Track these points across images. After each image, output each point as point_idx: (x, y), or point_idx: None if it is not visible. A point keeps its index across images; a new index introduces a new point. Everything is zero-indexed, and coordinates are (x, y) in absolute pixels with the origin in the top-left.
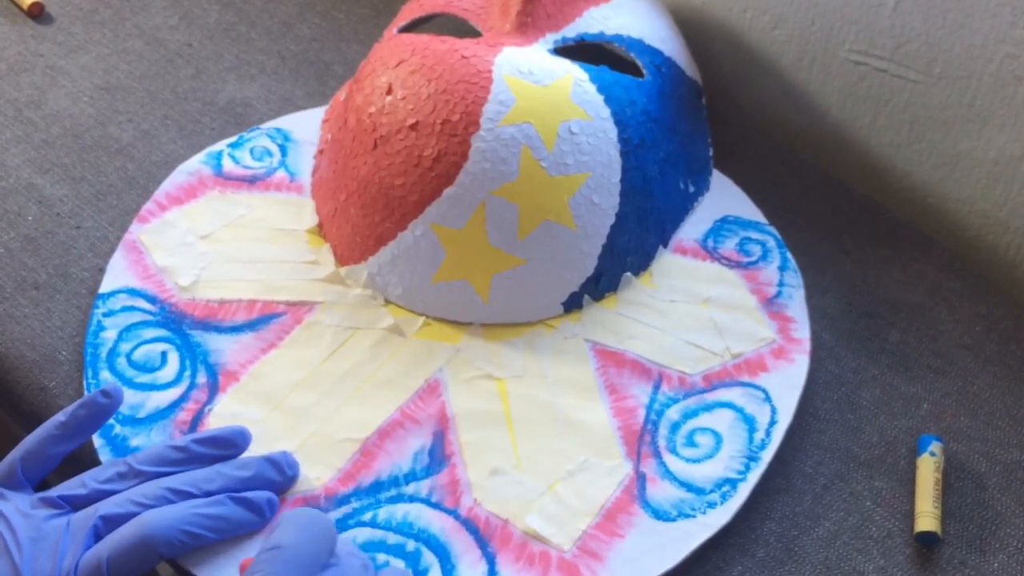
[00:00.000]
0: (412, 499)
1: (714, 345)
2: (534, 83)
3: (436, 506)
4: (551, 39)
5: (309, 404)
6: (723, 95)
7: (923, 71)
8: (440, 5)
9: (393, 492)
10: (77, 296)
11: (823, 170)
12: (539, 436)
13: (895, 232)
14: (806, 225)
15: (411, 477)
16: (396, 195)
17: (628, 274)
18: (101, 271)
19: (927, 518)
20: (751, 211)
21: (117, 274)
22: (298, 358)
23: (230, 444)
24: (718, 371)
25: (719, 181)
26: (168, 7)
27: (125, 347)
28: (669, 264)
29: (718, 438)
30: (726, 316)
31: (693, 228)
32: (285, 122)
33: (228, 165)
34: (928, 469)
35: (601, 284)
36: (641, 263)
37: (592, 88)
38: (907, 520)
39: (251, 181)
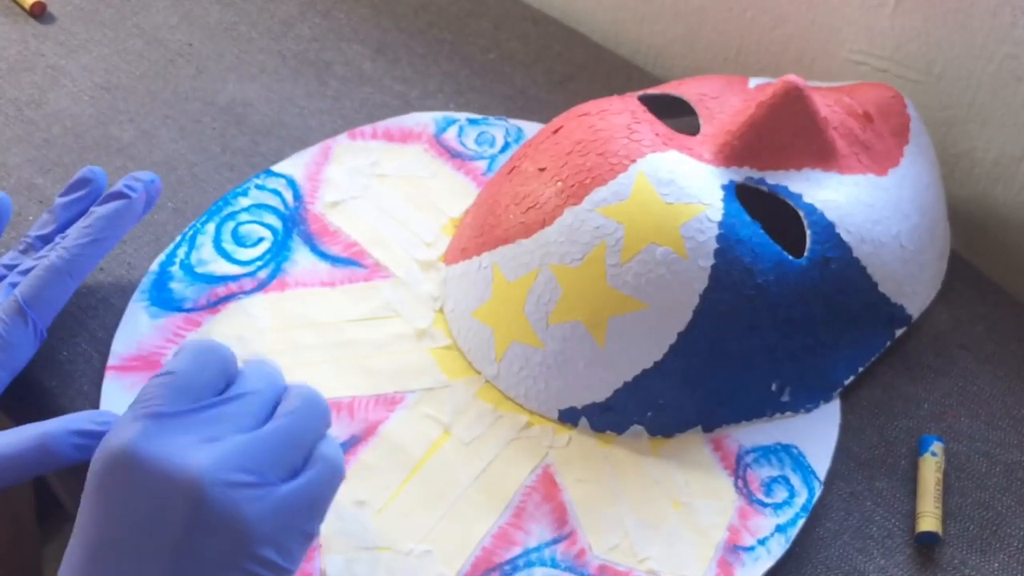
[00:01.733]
0: (542, 563)
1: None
2: (660, 194)
3: (564, 567)
4: (743, 173)
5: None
6: None
7: (923, 71)
8: (692, 94)
9: (522, 562)
10: (77, 296)
11: None
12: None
13: None
14: None
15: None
16: (488, 223)
17: (640, 427)
18: (101, 270)
19: (928, 518)
20: (819, 457)
21: (296, 163)
22: (328, 309)
23: (83, 183)
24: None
25: (829, 414)
26: (168, 7)
27: (245, 216)
28: (688, 448)
29: None
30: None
31: (752, 435)
32: (528, 127)
33: (451, 134)
34: (929, 469)
35: (605, 418)
36: (664, 427)
37: (713, 232)
38: (907, 520)
39: (454, 156)
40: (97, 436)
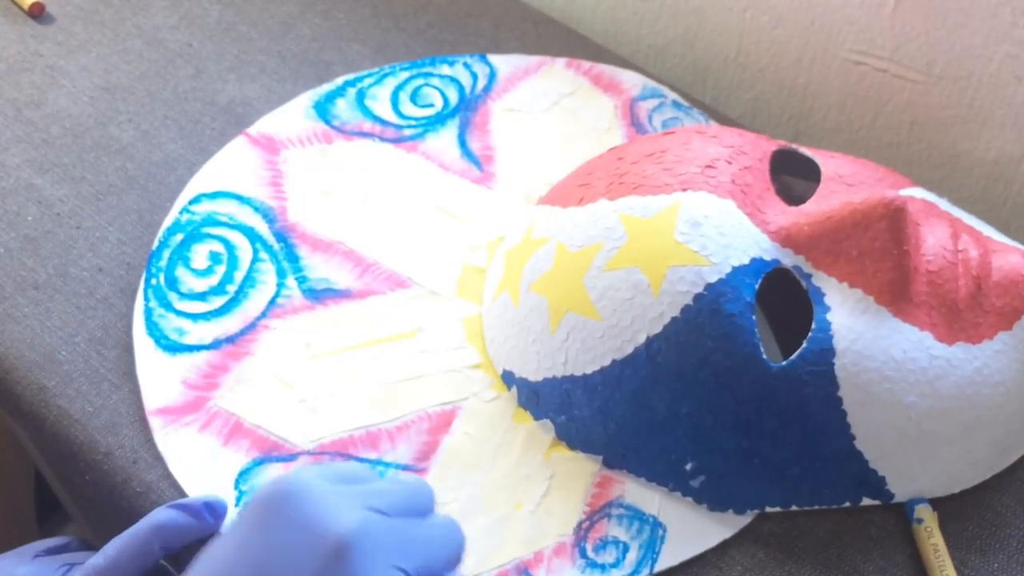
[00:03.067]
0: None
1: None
2: (678, 230)
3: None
4: (796, 259)
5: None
6: (723, 95)
7: (923, 71)
8: (830, 169)
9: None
10: (77, 296)
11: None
12: None
13: None
14: None
15: None
16: (563, 181)
17: (550, 424)
18: (101, 271)
19: None
20: (677, 550)
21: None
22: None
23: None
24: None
25: (730, 520)
26: (168, 7)
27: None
28: (575, 469)
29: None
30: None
31: (641, 494)
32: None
33: (646, 107)
34: (923, 539)
35: (530, 398)
36: (570, 437)
37: (696, 289)
38: (907, 520)
39: (634, 125)
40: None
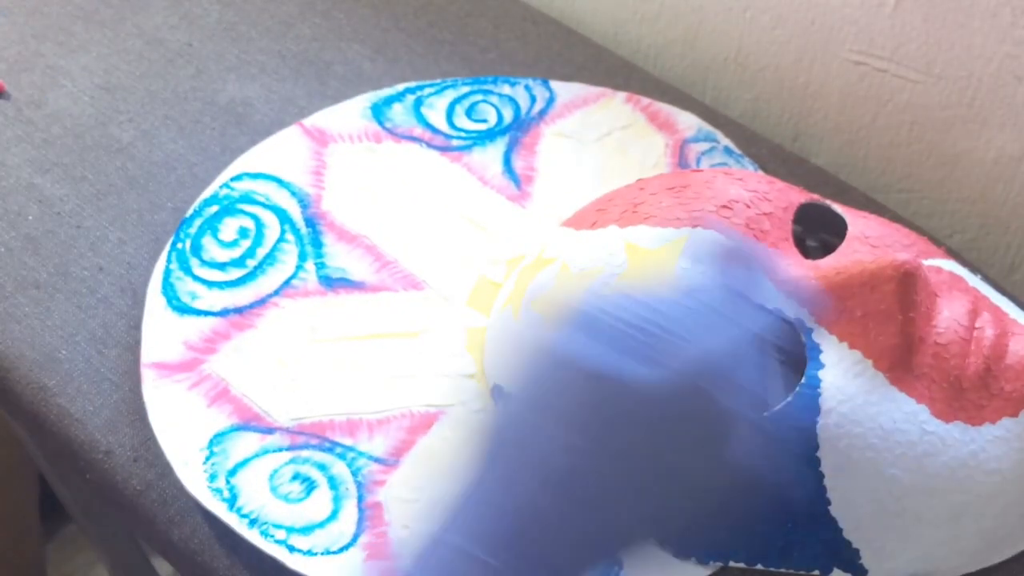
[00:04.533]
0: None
1: None
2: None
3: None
4: (800, 313)
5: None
6: (723, 95)
7: (923, 71)
8: (858, 229)
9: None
10: (77, 295)
11: (823, 169)
12: None
13: None
14: None
15: None
16: (589, 204)
17: None
18: (101, 270)
19: None
20: None
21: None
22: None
23: None
24: None
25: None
26: (168, 7)
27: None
28: None
29: None
30: None
31: None
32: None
33: (696, 149)
34: None
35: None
36: None
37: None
38: None
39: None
40: None
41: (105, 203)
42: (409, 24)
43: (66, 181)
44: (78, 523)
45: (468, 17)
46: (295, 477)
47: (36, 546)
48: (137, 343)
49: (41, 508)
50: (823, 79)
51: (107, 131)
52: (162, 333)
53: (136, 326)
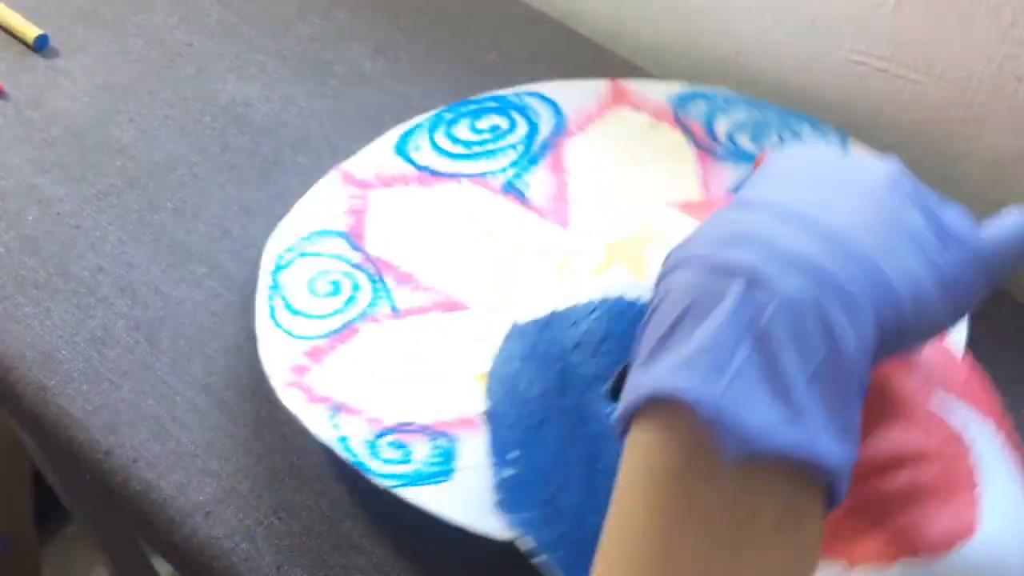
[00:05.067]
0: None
1: None
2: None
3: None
4: None
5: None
6: None
7: (923, 71)
8: None
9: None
10: (77, 295)
11: None
12: None
13: None
14: None
15: None
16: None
17: None
18: (101, 270)
19: None
20: None
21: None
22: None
23: None
24: None
25: None
26: (168, 7)
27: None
28: None
29: None
30: None
31: None
32: None
33: None
34: None
35: None
36: None
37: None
38: None
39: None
40: None
41: (105, 203)
42: (409, 24)
43: (66, 181)
44: (78, 523)
45: (468, 17)
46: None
47: (30, 545)
48: (137, 343)
49: (41, 508)
50: (823, 79)
51: (107, 131)
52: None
53: (136, 326)
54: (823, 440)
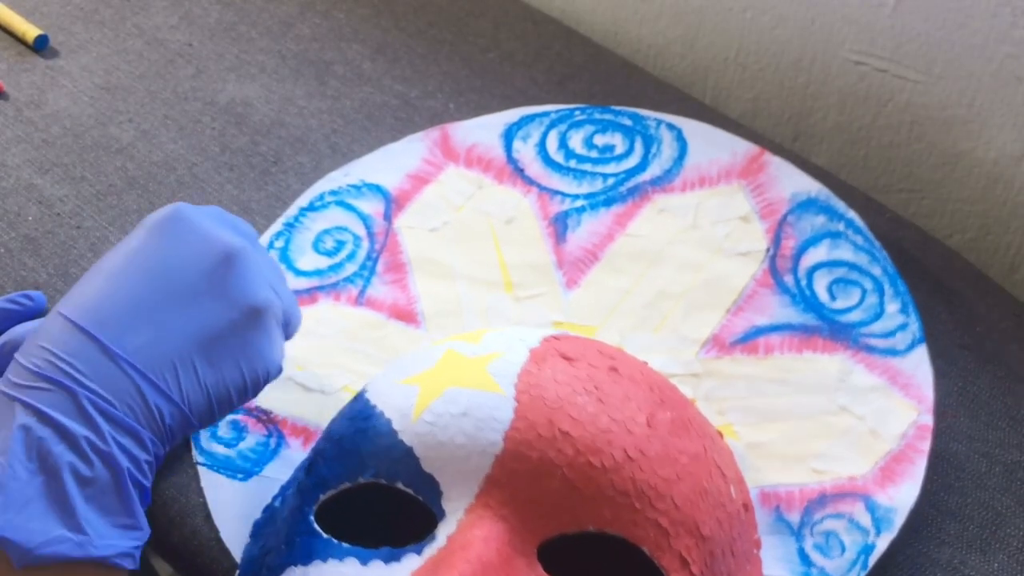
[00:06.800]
0: None
1: None
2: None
3: None
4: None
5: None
6: (723, 95)
7: (923, 71)
8: None
9: None
10: None
11: (823, 169)
12: None
13: (895, 232)
14: None
15: None
16: None
17: None
18: None
19: None
20: None
21: None
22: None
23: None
24: None
25: None
26: (168, 7)
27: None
28: None
29: None
30: None
31: None
32: None
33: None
34: None
35: None
36: None
37: None
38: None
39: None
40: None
41: (105, 203)
42: (409, 24)
43: (66, 181)
44: None
45: (468, 17)
46: None
47: None
48: None
49: None
50: (823, 79)
51: (107, 131)
52: None
53: None
54: (104, 538)
